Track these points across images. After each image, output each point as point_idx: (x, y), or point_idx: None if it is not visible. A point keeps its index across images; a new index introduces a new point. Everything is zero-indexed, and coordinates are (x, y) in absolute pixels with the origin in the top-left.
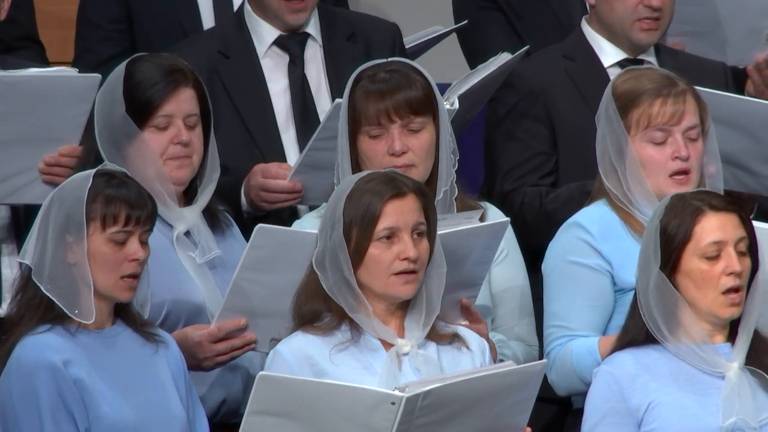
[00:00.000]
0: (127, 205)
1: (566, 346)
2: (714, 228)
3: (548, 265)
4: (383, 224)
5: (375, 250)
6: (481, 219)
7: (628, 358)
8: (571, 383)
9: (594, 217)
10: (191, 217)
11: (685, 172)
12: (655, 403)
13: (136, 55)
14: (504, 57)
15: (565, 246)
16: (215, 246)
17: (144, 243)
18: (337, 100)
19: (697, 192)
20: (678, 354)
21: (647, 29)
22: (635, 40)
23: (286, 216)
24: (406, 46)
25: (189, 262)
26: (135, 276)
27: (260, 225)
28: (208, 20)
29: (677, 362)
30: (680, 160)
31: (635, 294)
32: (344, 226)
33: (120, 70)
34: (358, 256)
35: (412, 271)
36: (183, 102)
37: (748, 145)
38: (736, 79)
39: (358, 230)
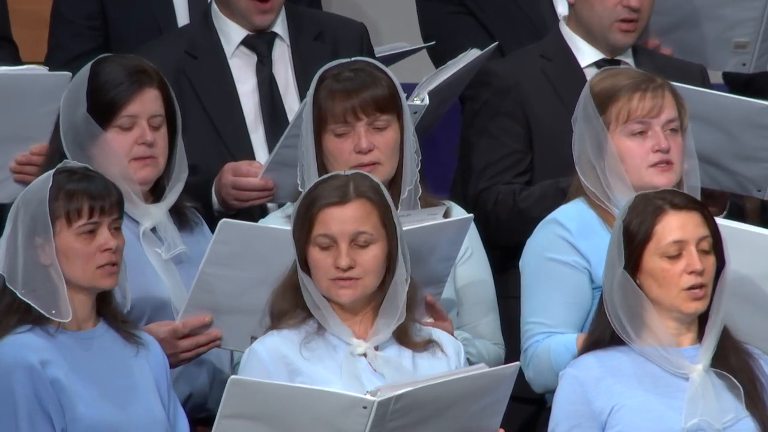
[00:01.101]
0: (88, 197)
1: (544, 342)
2: (675, 227)
3: (526, 261)
4: (318, 231)
5: (315, 254)
6: (445, 216)
7: (592, 360)
8: (549, 380)
9: (572, 214)
10: (157, 214)
11: (665, 163)
12: (619, 405)
13: (101, 56)
14: (473, 53)
15: (543, 243)
16: (180, 242)
17: (116, 231)
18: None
19: (661, 191)
20: (643, 354)
21: (625, 30)
22: (613, 41)
23: (257, 214)
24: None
25: (155, 257)
26: (112, 264)
27: (224, 220)
28: (182, 18)
29: (642, 363)
30: (661, 152)
31: (601, 294)
32: (292, 225)
33: (85, 70)
34: (302, 257)
35: (348, 278)
36: (147, 102)
37: (723, 142)
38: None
39: (299, 234)
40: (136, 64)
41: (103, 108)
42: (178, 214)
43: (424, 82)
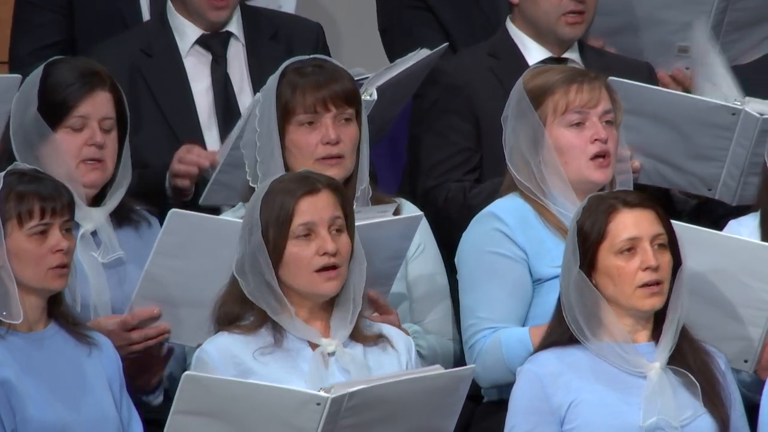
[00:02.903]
0: (39, 199)
1: (492, 337)
2: (628, 224)
3: (464, 257)
4: (298, 221)
5: (294, 248)
6: (396, 213)
7: (550, 356)
8: (499, 374)
9: (508, 208)
10: (98, 217)
11: (604, 154)
12: (577, 401)
13: (54, 58)
14: (423, 52)
15: (480, 237)
16: (119, 247)
17: (68, 232)
18: (257, 96)
19: (615, 191)
20: (600, 354)
21: (573, 23)
22: (561, 34)
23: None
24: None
25: (88, 260)
26: (63, 266)
27: (174, 210)
28: (147, 12)
29: (601, 361)
30: (600, 142)
31: (559, 296)
32: (262, 228)
33: (38, 71)
34: (277, 256)
35: (333, 266)
36: (99, 104)
37: (675, 140)
38: None
39: (274, 230)
40: (88, 67)
41: (55, 108)
42: (122, 217)
43: (372, 78)
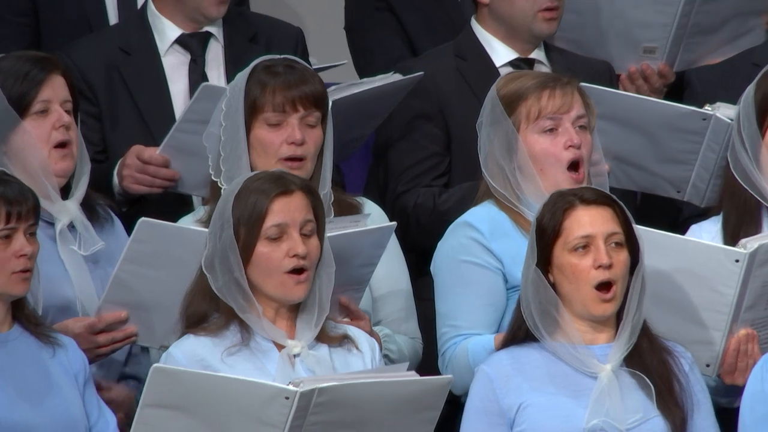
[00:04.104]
0: (5, 203)
1: (461, 344)
2: (583, 221)
3: (438, 265)
4: (270, 221)
5: (264, 248)
6: (357, 212)
7: (505, 357)
8: (467, 381)
9: (483, 216)
10: (73, 208)
11: (577, 165)
12: (526, 404)
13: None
14: (395, 77)
15: (455, 246)
16: (98, 239)
17: (32, 237)
18: (204, 84)
19: (576, 188)
20: (554, 352)
21: (549, 18)
22: (537, 30)
23: (172, 209)
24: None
25: (69, 255)
26: (25, 271)
27: (143, 219)
28: (113, 17)
29: (555, 362)
30: (573, 148)
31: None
32: (233, 225)
33: None
34: (247, 255)
35: (303, 269)
36: (58, 88)
37: (645, 144)
38: None
39: (246, 229)
40: (37, 54)
41: (18, 99)
42: (89, 209)
43: (332, 90)
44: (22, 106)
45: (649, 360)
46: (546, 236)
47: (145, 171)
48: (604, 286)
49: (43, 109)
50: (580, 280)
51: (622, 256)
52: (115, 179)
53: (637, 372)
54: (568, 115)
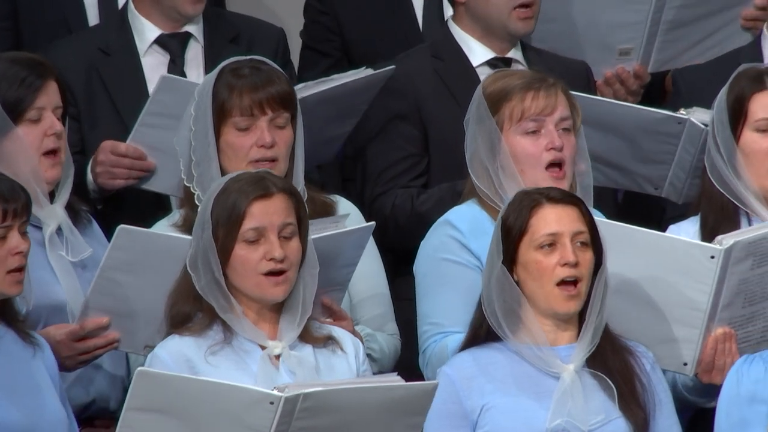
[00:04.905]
0: (1, 200)
1: (441, 342)
2: (549, 219)
3: (420, 264)
4: (248, 225)
5: (241, 251)
6: (334, 212)
7: (467, 359)
8: None
9: (464, 215)
10: (60, 212)
11: (559, 164)
12: (489, 405)
13: None
14: (366, 71)
15: (435, 244)
16: (86, 244)
17: (24, 235)
18: (163, 74)
19: (541, 187)
20: (517, 352)
21: (524, 17)
22: (513, 29)
23: (149, 212)
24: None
25: (58, 260)
26: (20, 269)
27: (122, 226)
28: (93, 19)
29: (518, 362)
30: (555, 151)
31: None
32: (212, 226)
33: None
34: (225, 256)
35: (280, 272)
36: (51, 94)
37: (622, 146)
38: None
39: (224, 231)
40: (32, 57)
41: (14, 104)
42: (74, 213)
43: (301, 88)
44: (16, 112)
45: (611, 361)
46: (512, 234)
47: (120, 164)
48: (568, 283)
49: (37, 117)
50: (544, 277)
51: (588, 256)
52: (89, 176)
53: (599, 373)
54: (552, 117)
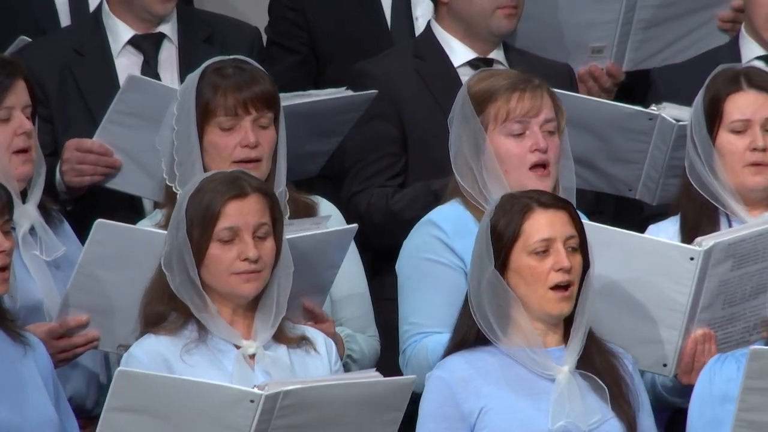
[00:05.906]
0: None
1: (421, 342)
2: (542, 225)
3: (402, 263)
4: (223, 224)
5: (215, 250)
6: (315, 213)
7: (460, 361)
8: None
9: (448, 215)
10: (33, 212)
11: (543, 164)
12: (487, 407)
13: None
14: (345, 92)
15: (418, 244)
16: (59, 243)
17: (7, 234)
18: (130, 73)
19: (528, 191)
20: (510, 355)
21: (508, 15)
22: (497, 28)
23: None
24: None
25: (32, 260)
26: (5, 268)
27: (99, 220)
28: (65, 19)
29: (510, 365)
30: (539, 152)
31: (466, 294)
32: (187, 226)
33: None
34: (199, 256)
35: (254, 271)
36: (20, 93)
37: (596, 144)
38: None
39: (199, 230)
40: (2, 57)
41: None
42: (45, 213)
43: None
44: None
45: (598, 362)
46: (503, 239)
47: (85, 161)
48: (560, 287)
49: (6, 116)
50: (538, 282)
51: (578, 259)
52: (58, 177)
53: (589, 374)
54: (537, 119)
